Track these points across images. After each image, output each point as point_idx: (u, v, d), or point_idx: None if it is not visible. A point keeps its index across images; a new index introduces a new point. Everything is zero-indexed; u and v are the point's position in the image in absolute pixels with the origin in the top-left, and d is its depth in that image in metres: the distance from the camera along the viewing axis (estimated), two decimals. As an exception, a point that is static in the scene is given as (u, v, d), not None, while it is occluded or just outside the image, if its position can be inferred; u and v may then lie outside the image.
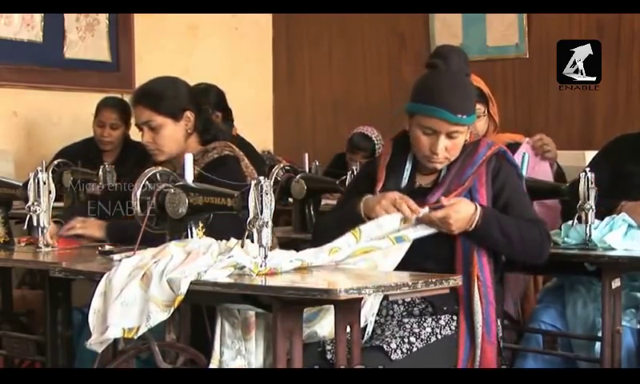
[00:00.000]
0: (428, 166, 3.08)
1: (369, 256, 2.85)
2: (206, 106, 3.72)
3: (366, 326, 2.88)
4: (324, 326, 2.79)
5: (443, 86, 3.02)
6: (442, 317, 2.96)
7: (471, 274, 2.95)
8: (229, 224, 2.97)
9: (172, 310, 2.59)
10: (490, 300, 2.96)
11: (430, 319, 2.94)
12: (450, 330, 2.95)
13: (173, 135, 3.47)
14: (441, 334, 2.92)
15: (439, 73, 3.04)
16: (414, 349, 2.84)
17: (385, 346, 2.80)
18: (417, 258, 2.91)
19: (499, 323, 3.05)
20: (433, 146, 3.01)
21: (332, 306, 2.67)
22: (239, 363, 2.82)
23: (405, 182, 3.11)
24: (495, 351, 2.96)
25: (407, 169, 3.12)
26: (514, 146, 3.83)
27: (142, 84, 3.63)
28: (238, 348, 2.83)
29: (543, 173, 3.87)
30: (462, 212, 2.92)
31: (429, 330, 2.91)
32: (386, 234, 2.89)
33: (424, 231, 2.93)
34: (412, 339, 2.85)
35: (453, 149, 3.03)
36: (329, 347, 2.80)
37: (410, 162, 3.12)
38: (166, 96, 3.46)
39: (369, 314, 2.86)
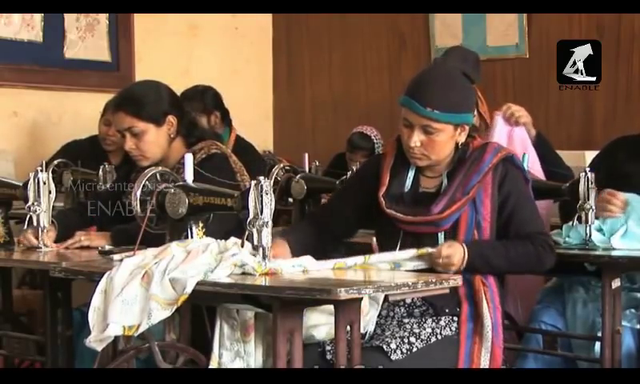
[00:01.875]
0: (410, 161, 3.06)
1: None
2: (189, 108, 3.70)
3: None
4: (321, 330, 2.80)
5: (423, 78, 3.01)
6: (443, 318, 2.95)
7: (473, 279, 2.95)
8: (229, 224, 2.98)
9: (174, 308, 2.59)
10: (497, 304, 2.97)
11: (430, 320, 2.94)
12: (451, 330, 2.94)
13: (156, 141, 3.44)
14: (441, 334, 2.92)
15: (430, 68, 3.04)
16: (414, 349, 2.83)
17: (384, 347, 2.80)
18: None
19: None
20: (408, 139, 3.00)
21: (327, 311, 2.69)
22: (238, 365, 2.82)
23: (408, 186, 3.09)
24: (502, 353, 2.97)
25: (410, 171, 3.10)
26: None
27: (122, 89, 3.61)
28: (236, 350, 2.83)
29: (520, 139, 3.84)
30: (457, 255, 2.90)
31: (429, 330, 2.90)
32: (391, 260, 2.88)
33: (422, 266, 2.92)
34: (412, 339, 2.85)
35: (430, 145, 2.98)
36: (328, 348, 2.80)
37: (413, 164, 3.10)
38: (147, 101, 3.43)
39: (369, 323, 2.86)
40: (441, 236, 2.99)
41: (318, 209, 3.35)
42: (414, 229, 3.00)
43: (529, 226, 3.02)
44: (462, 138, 3.03)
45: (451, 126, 2.99)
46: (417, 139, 2.98)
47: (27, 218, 3.30)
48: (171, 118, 3.46)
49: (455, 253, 2.89)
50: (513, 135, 3.83)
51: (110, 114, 4.98)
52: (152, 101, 3.44)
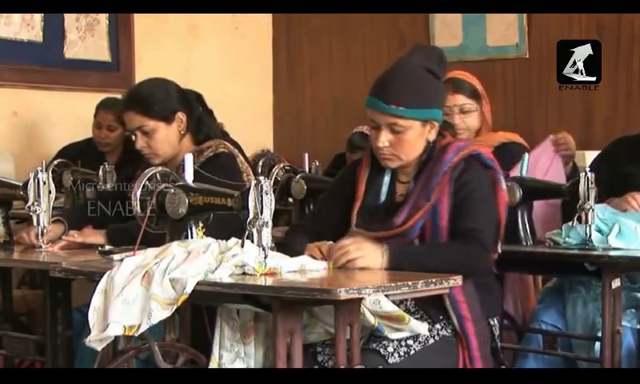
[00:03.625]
0: (381, 163, 2.98)
1: None
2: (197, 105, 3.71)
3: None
4: (314, 333, 2.79)
5: (385, 76, 2.95)
6: (437, 323, 2.91)
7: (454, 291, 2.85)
8: (229, 224, 2.98)
9: (174, 308, 2.59)
10: (464, 314, 2.85)
11: (425, 323, 2.92)
12: (447, 332, 2.92)
13: (166, 138, 3.45)
14: (438, 335, 2.90)
15: (392, 66, 2.99)
16: (412, 351, 2.81)
17: (382, 350, 2.77)
18: None
19: (496, 322, 3.03)
20: (376, 140, 2.94)
21: (320, 315, 2.68)
22: (238, 366, 2.82)
23: (384, 194, 3.01)
24: (484, 362, 2.88)
25: (386, 176, 3.03)
26: (508, 145, 3.82)
27: (130, 88, 3.61)
28: (237, 351, 2.82)
29: (556, 171, 3.85)
30: (367, 249, 2.77)
31: (426, 332, 2.88)
32: None
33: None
34: (409, 342, 2.82)
35: (398, 144, 2.92)
36: (320, 349, 2.80)
37: (388, 171, 3.03)
38: (155, 100, 3.44)
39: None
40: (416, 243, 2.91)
41: (306, 219, 3.30)
42: (386, 241, 2.87)
43: (468, 222, 2.85)
44: (432, 136, 2.95)
45: (418, 123, 2.92)
46: (384, 139, 2.92)
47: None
48: (180, 115, 3.47)
49: (353, 252, 2.75)
50: (555, 161, 3.84)
51: (100, 115, 5.02)
52: (160, 98, 3.45)
